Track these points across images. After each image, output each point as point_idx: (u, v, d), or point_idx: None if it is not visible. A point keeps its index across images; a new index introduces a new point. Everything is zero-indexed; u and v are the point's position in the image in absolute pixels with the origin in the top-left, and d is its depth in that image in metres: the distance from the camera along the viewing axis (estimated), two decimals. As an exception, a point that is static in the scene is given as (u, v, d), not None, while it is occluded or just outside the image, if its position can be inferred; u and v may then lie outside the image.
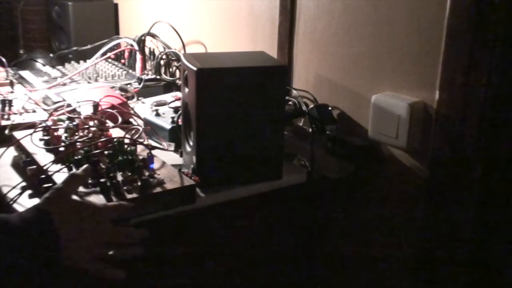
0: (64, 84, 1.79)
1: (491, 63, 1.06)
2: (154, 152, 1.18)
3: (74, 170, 1.12)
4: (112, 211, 0.97)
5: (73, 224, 0.91)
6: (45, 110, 1.55)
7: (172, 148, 1.35)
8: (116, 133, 1.29)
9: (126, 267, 1.15)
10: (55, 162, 1.14)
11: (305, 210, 1.41)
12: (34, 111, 1.55)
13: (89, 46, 2.15)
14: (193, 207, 1.14)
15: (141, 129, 1.31)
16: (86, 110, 1.40)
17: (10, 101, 1.53)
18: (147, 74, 1.89)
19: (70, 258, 0.90)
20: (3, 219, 0.87)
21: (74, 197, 0.99)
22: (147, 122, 1.42)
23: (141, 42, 1.99)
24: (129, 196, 1.04)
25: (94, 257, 0.93)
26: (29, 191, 1.11)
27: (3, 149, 1.26)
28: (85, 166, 1.04)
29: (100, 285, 1.10)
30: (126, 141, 1.20)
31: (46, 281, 0.89)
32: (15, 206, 1.09)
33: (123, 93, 1.67)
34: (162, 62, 1.94)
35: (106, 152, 1.16)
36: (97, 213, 0.95)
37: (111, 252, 0.96)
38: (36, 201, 1.09)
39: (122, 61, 2.06)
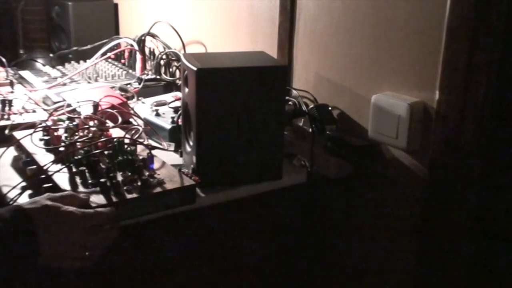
0: (64, 84, 1.79)
1: (491, 63, 1.06)
2: (154, 152, 1.18)
3: (74, 169, 1.12)
4: (88, 220, 0.95)
5: (51, 227, 0.90)
6: (45, 110, 1.55)
7: (172, 148, 1.35)
8: (116, 133, 1.29)
9: (126, 267, 1.15)
10: (55, 162, 1.14)
11: (305, 210, 1.41)
12: (34, 111, 1.55)
13: (89, 46, 2.15)
14: (193, 207, 1.14)
15: (141, 129, 1.31)
16: (86, 110, 1.40)
17: (10, 101, 1.53)
18: (147, 74, 1.89)
19: (47, 256, 0.90)
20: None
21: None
22: (147, 122, 1.42)
23: (141, 42, 1.99)
24: (129, 196, 1.04)
25: (72, 258, 0.94)
26: (29, 191, 1.11)
27: (3, 149, 1.26)
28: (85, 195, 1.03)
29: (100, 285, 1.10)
30: (126, 141, 1.20)
31: (21, 277, 0.89)
32: (15, 206, 1.09)
33: (123, 93, 1.67)
34: (162, 62, 1.94)
35: (106, 152, 1.16)
36: (73, 220, 0.94)
37: (87, 253, 0.96)
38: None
39: (122, 61, 2.07)
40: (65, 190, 1.05)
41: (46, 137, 1.25)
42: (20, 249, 0.88)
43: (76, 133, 1.24)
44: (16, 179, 1.19)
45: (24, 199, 1.10)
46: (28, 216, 0.89)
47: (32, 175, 1.15)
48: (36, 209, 0.90)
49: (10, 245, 0.86)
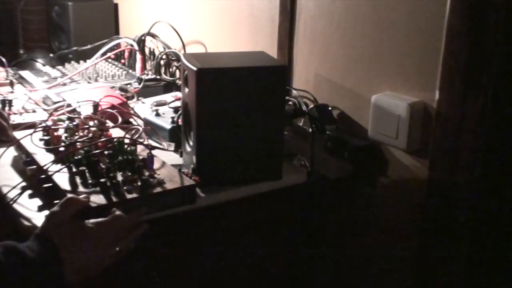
0: (64, 84, 1.79)
1: (491, 63, 1.06)
2: (154, 152, 1.18)
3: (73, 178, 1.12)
4: (111, 227, 0.98)
5: (73, 247, 0.92)
6: (45, 110, 1.55)
7: (172, 148, 1.35)
8: (116, 133, 1.29)
9: (126, 267, 1.15)
10: (55, 162, 1.14)
11: (305, 210, 1.41)
12: (34, 111, 1.55)
13: (89, 46, 2.15)
14: (193, 207, 1.14)
15: (141, 129, 1.31)
16: (86, 110, 1.40)
17: (10, 101, 1.54)
18: (147, 74, 1.89)
19: (74, 274, 0.92)
20: (19, 250, 0.88)
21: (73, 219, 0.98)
22: (147, 122, 1.42)
23: (141, 42, 1.99)
24: (129, 196, 1.04)
25: (101, 262, 0.96)
26: (29, 191, 1.11)
27: (3, 149, 1.26)
28: (84, 196, 1.03)
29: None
30: (126, 141, 1.20)
31: None
32: (15, 206, 1.09)
33: (123, 93, 1.67)
34: (162, 62, 1.94)
35: (106, 152, 1.16)
36: (97, 232, 0.96)
37: (117, 249, 0.99)
38: (36, 201, 1.10)
39: (122, 61, 2.07)
40: (65, 190, 1.05)
41: (46, 137, 1.25)
42: (48, 277, 0.89)
43: (76, 133, 1.24)
44: (16, 179, 1.19)
45: (24, 199, 1.10)
46: (54, 245, 0.90)
47: (32, 175, 1.15)
48: (60, 239, 0.92)
49: (42, 275, 0.88)
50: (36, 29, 2.54)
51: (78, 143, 1.20)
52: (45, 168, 1.13)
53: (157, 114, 1.47)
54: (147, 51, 2.02)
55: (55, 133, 1.25)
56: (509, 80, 1.09)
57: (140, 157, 1.16)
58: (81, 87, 1.69)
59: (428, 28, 1.16)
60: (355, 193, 1.39)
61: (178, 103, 1.49)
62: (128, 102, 1.59)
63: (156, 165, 1.15)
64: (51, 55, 2.29)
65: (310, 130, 1.34)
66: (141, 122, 1.40)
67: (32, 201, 1.11)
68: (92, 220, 0.96)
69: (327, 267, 1.51)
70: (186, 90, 1.20)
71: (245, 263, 1.34)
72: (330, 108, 1.41)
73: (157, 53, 1.97)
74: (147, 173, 1.11)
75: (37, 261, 0.87)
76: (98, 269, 0.96)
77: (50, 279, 0.89)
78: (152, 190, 1.07)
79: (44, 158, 1.18)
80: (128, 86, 1.75)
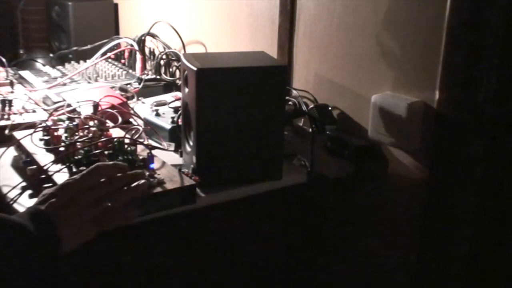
0: (64, 84, 1.79)
1: (491, 63, 1.06)
2: (154, 152, 1.18)
3: (74, 170, 1.12)
4: (83, 179, 0.95)
5: (62, 210, 0.91)
6: (45, 110, 1.55)
7: (172, 148, 1.35)
8: (116, 133, 1.29)
9: (126, 267, 1.15)
10: (55, 162, 1.14)
11: (305, 210, 1.41)
12: (34, 111, 1.55)
13: (89, 46, 2.15)
14: (193, 207, 1.14)
15: (141, 129, 1.31)
16: (86, 110, 1.40)
17: (10, 101, 1.53)
18: (147, 74, 1.89)
19: (69, 242, 0.90)
20: (21, 225, 0.87)
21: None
22: (147, 122, 1.42)
23: (141, 42, 1.99)
24: (129, 196, 1.04)
25: (88, 221, 0.93)
26: (29, 191, 1.11)
27: (3, 149, 1.26)
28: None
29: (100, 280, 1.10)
30: (126, 141, 1.20)
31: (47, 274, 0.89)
32: (15, 206, 1.09)
33: (123, 93, 1.67)
34: (162, 62, 1.94)
35: (106, 152, 1.16)
36: (76, 188, 0.94)
37: (108, 204, 0.95)
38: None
39: (122, 61, 2.06)
40: None
41: (46, 137, 1.25)
42: (45, 247, 0.88)
43: (76, 133, 1.24)
44: (16, 179, 1.19)
45: (24, 199, 1.10)
46: (47, 215, 0.90)
47: (32, 175, 1.15)
48: (49, 207, 0.91)
49: (37, 248, 0.87)
50: (36, 29, 2.54)
51: (78, 143, 1.20)
52: (45, 168, 1.13)
53: (157, 114, 1.47)
54: (147, 51, 2.02)
55: (55, 133, 1.25)
56: (509, 80, 1.09)
57: (140, 157, 1.16)
58: (81, 87, 1.69)
59: (428, 28, 1.16)
60: (355, 193, 1.39)
61: (178, 103, 1.49)
62: (128, 102, 1.59)
63: (156, 165, 1.15)
64: (51, 55, 2.29)
65: (310, 130, 1.34)
66: (141, 122, 1.40)
67: (32, 201, 1.10)
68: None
69: (327, 267, 1.51)
70: (186, 90, 1.20)
71: (245, 263, 1.34)
72: (330, 108, 1.41)
73: (157, 53, 1.97)
74: (147, 173, 1.11)
75: (32, 231, 0.87)
76: (92, 229, 0.93)
77: (46, 249, 0.88)
78: (152, 190, 1.07)
79: (44, 158, 1.18)
80: (128, 86, 1.75)
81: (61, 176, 1.10)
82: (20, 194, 1.10)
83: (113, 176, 0.98)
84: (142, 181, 1.03)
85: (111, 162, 1.04)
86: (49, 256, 0.88)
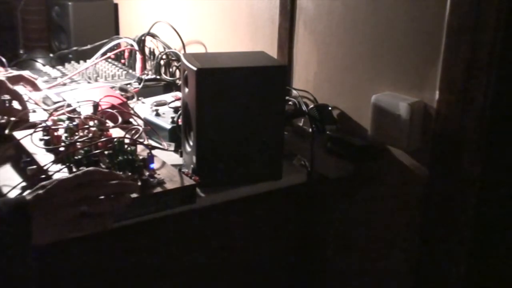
0: (64, 84, 1.79)
1: (491, 63, 1.06)
2: (154, 152, 1.18)
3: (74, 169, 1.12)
4: (68, 180, 0.93)
5: (43, 203, 0.90)
6: (45, 110, 1.55)
7: (172, 148, 1.35)
8: (116, 133, 1.29)
9: (126, 267, 1.15)
10: (55, 162, 1.14)
11: (305, 210, 1.41)
12: (34, 111, 1.55)
13: (89, 46, 2.15)
14: (193, 207, 1.14)
15: (141, 129, 1.31)
16: (86, 110, 1.40)
17: (10, 101, 1.53)
18: (147, 74, 1.89)
19: (45, 232, 0.90)
20: None
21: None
22: (147, 122, 1.42)
23: (141, 42, 1.99)
24: (129, 196, 1.04)
25: (68, 220, 0.92)
26: (29, 191, 1.11)
27: (3, 149, 1.26)
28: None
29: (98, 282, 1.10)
30: (126, 141, 1.20)
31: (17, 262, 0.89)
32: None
33: (123, 93, 1.67)
34: (162, 62, 1.94)
35: (106, 152, 1.16)
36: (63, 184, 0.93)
37: (84, 207, 0.93)
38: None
39: (122, 61, 2.06)
40: None
41: (46, 137, 1.25)
42: (13, 232, 0.87)
43: (76, 133, 1.24)
44: (16, 179, 1.19)
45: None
46: (26, 205, 0.89)
47: (32, 175, 1.15)
48: (32, 195, 0.91)
49: (5, 231, 0.87)
50: (36, 29, 2.54)
51: (78, 143, 1.20)
52: (45, 168, 1.13)
53: (157, 114, 1.47)
54: (147, 51, 2.02)
55: (55, 133, 1.25)
56: (509, 80, 1.09)
57: (140, 157, 1.16)
58: (81, 87, 1.69)
59: (428, 28, 1.16)
60: (355, 193, 1.39)
61: (178, 103, 1.49)
62: (128, 102, 1.59)
63: (156, 165, 1.15)
64: (51, 55, 2.29)
65: (310, 130, 1.34)
66: (141, 122, 1.40)
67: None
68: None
69: (327, 266, 1.51)
70: (186, 90, 1.20)
71: (245, 263, 1.34)
72: (330, 108, 1.41)
73: (157, 53, 1.97)
74: (147, 173, 1.11)
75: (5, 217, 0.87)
76: (65, 228, 0.92)
77: (17, 236, 0.87)
78: (152, 190, 1.07)
79: (44, 158, 1.18)
80: (128, 86, 1.75)
81: (61, 176, 1.10)
82: (20, 194, 1.09)
83: (102, 181, 0.96)
84: (132, 195, 1.01)
85: (107, 170, 1.03)
86: (17, 242, 0.88)
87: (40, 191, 0.92)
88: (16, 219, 0.88)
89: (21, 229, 0.88)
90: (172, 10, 2.09)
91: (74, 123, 1.28)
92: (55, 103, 1.57)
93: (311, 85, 1.50)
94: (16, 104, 1.48)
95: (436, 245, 1.21)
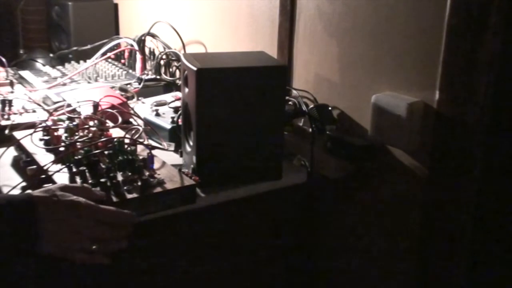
0: (64, 84, 1.79)
1: (491, 63, 1.06)
2: (154, 152, 1.18)
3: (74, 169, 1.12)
4: (93, 211, 0.96)
5: (57, 215, 0.92)
6: (45, 110, 1.55)
7: (172, 148, 1.35)
8: (116, 133, 1.29)
9: (126, 267, 1.15)
10: (55, 162, 1.14)
11: (305, 210, 1.41)
12: (34, 111, 1.55)
13: (89, 46, 2.15)
14: (193, 207, 1.14)
15: (141, 129, 1.31)
16: (86, 110, 1.40)
17: (10, 101, 1.53)
18: (147, 74, 1.89)
19: (53, 246, 0.91)
20: None
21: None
22: (147, 122, 1.42)
23: (141, 42, 1.99)
24: (129, 196, 1.04)
25: (77, 249, 0.94)
26: (29, 191, 1.11)
27: (3, 149, 1.26)
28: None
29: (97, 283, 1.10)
30: (126, 141, 1.20)
31: (21, 266, 0.90)
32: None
33: (123, 93, 1.67)
34: (162, 62, 1.94)
35: (106, 152, 1.16)
36: (78, 209, 0.94)
37: (94, 247, 0.96)
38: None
39: (122, 61, 2.07)
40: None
41: (46, 137, 1.25)
42: (20, 234, 0.89)
43: (76, 133, 1.24)
44: (16, 179, 1.19)
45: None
46: (35, 203, 0.90)
47: (32, 175, 1.15)
48: (44, 198, 0.92)
49: (12, 228, 0.88)
50: (36, 29, 2.54)
51: (78, 143, 1.20)
52: (45, 168, 1.13)
53: (157, 114, 1.47)
54: (147, 51, 2.02)
55: (55, 133, 1.25)
56: (509, 80, 1.09)
57: (140, 157, 1.16)
58: (81, 87, 1.69)
59: (428, 28, 1.16)
60: (355, 193, 1.39)
61: (178, 103, 1.49)
62: (128, 102, 1.59)
63: (156, 165, 1.15)
64: (51, 55, 2.29)
65: (310, 130, 1.34)
66: (141, 122, 1.40)
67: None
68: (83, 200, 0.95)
69: (327, 267, 1.51)
70: (186, 90, 1.20)
71: (245, 263, 1.34)
72: (330, 108, 1.41)
73: (157, 53, 1.97)
74: (147, 173, 1.11)
75: (9, 212, 0.88)
76: (71, 253, 0.94)
77: (20, 234, 0.88)
78: (152, 190, 1.07)
79: (44, 158, 1.18)
80: (128, 86, 1.75)
81: (61, 176, 1.10)
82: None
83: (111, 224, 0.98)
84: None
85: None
86: (19, 245, 0.89)
87: (46, 194, 0.93)
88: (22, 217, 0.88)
89: (28, 230, 0.89)
90: (172, 10, 2.09)
91: (74, 123, 1.28)
92: (55, 103, 1.57)
93: (311, 85, 1.50)
94: (13, 109, 1.50)
95: (436, 245, 1.21)
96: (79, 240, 0.94)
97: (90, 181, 1.07)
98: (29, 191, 0.98)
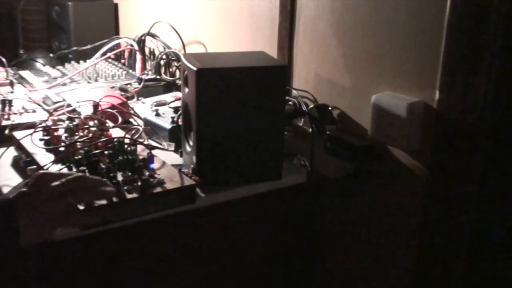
0: (64, 84, 1.79)
1: (491, 63, 1.06)
2: (154, 152, 1.18)
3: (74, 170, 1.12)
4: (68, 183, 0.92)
5: (28, 197, 0.89)
6: (45, 110, 1.55)
7: (172, 148, 1.35)
8: (116, 133, 1.29)
9: (126, 267, 1.15)
10: (55, 162, 1.14)
11: (305, 210, 1.41)
12: (34, 111, 1.55)
13: (89, 46, 2.15)
14: (193, 207, 1.14)
15: (141, 129, 1.31)
16: (86, 110, 1.40)
17: (10, 101, 1.53)
18: (147, 74, 1.89)
19: (28, 234, 0.89)
20: None
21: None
22: (147, 122, 1.42)
23: (141, 42, 1.99)
24: (129, 196, 1.04)
25: (49, 214, 0.91)
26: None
27: (3, 149, 1.26)
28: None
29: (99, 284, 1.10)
30: (126, 141, 1.20)
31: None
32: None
33: (123, 93, 1.67)
34: (162, 62, 1.94)
35: (106, 152, 1.16)
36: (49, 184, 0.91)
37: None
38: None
39: (122, 61, 2.07)
40: None
41: (46, 137, 1.25)
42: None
43: (76, 133, 1.24)
44: (16, 179, 1.19)
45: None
46: (12, 202, 0.88)
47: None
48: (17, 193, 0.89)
49: None
50: (36, 29, 2.54)
51: (78, 143, 1.20)
52: (45, 168, 1.13)
53: (157, 114, 1.47)
54: (147, 51, 2.02)
55: (55, 133, 1.25)
56: (509, 80, 1.09)
57: (140, 157, 1.16)
58: (81, 87, 1.69)
59: (428, 28, 1.16)
60: (355, 193, 1.39)
61: (178, 103, 1.49)
62: (128, 102, 1.59)
63: (156, 165, 1.15)
64: (51, 55, 2.29)
65: (310, 130, 1.34)
66: (141, 122, 1.40)
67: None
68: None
69: (327, 267, 1.51)
70: (186, 90, 1.20)
71: (245, 263, 1.34)
72: (330, 108, 1.41)
73: (157, 53, 1.97)
74: (147, 173, 1.11)
75: None
76: (48, 225, 0.91)
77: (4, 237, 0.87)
78: (152, 190, 1.07)
79: (44, 158, 1.18)
80: (128, 86, 1.75)
81: (42, 171, 1.10)
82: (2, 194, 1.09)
83: (84, 179, 0.96)
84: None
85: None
86: (4, 243, 0.87)
87: (24, 189, 0.90)
88: (1, 220, 0.87)
89: (7, 230, 0.87)
90: (172, 10, 2.09)
91: (74, 123, 1.28)
92: (55, 103, 1.57)
93: (311, 85, 1.50)
94: (13, 109, 1.50)
95: (436, 245, 1.21)
96: (51, 204, 0.90)
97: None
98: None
